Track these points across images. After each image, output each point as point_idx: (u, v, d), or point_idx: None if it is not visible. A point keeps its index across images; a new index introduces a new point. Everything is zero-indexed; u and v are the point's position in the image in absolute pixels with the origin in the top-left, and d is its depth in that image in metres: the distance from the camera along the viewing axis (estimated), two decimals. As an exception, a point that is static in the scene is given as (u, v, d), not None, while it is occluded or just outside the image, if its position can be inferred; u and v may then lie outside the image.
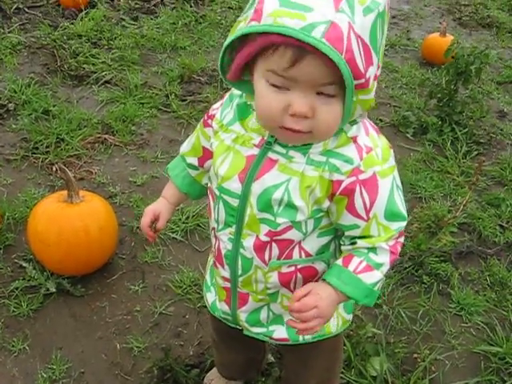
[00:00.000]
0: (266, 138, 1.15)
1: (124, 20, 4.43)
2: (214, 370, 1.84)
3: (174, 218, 2.52)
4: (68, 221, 2.07)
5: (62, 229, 2.06)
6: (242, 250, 1.23)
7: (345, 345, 1.96)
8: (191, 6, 4.74)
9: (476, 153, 3.32)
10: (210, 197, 1.28)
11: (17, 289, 2.12)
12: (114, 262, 2.28)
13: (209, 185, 1.30)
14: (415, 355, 2.10)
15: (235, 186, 1.17)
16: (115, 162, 2.88)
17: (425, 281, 2.42)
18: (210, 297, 1.44)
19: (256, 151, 1.16)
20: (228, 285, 1.32)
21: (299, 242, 1.20)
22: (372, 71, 0.98)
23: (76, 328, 2.03)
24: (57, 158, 2.83)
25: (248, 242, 1.21)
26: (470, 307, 2.33)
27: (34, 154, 2.86)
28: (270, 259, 1.21)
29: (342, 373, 1.89)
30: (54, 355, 1.92)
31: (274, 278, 1.24)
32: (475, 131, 3.46)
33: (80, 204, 2.12)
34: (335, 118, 1.03)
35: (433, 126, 3.38)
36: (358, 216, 1.15)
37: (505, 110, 3.86)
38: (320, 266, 1.25)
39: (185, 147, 1.41)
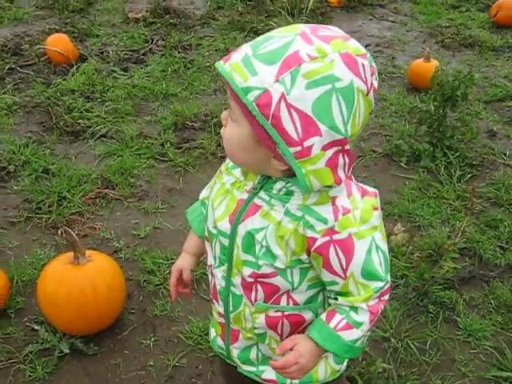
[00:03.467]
0: (254, 185, 1.23)
1: (115, 71, 4.53)
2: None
3: (179, 268, 2.56)
4: (76, 281, 2.12)
5: (70, 290, 2.10)
6: (232, 288, 1.30)
7: (357, 382, 1.99)
8: (179, 52, 4.86)
9: (470, 175, 3.38)
10: (206, 234, 1.36)
11: (31, 353, 2.15)
12: (124, 318, 2.32)
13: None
14: (427, 386, 2.13)
15: (226, 226, 1.26)
16: (117, 216, 2.94)
17: (431, 310, 2.46)
18: (212, 332, 1.50)
19: (246, 196, 1.24)
20: (222, 320, 1.39)
21: (288, 291, 1.25)
22: (317, 141, 1.04)
23: (92, 387, 2.06)
24: (60, 217, 2.88)
25: (236, 280, 1.28)
26: (478, 333, 2.37)
27: (37, 214, 2.92)
28: (255, 300, 1.27)
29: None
30: (73, 417, 1.95)
31: (261, 319, 1.30)
32: (467, 154, 3.53)
33: (86, 264, 2.17)
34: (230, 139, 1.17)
35: (425, 153, 3.45)
36: (336, 274, 1.19)
37: (494, 129, 3.93)
38: (308, 315, 1.29)
39: (204, 192, 1.47)
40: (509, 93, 4.41)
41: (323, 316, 1.24)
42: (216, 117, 3.73)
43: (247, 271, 1.24)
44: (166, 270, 2.56)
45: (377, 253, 1.18)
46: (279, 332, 1.31)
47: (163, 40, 5.11)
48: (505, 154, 3.67)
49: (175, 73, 4.52)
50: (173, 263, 2.47)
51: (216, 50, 4.97)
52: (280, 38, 1.05)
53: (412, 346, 2.28)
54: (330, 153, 1.07)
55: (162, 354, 2.19)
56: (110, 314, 2.22)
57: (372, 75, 1.09)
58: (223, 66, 1.09)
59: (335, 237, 1.15)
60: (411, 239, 2.83)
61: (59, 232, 2.58)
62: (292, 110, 1.02)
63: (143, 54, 4.84)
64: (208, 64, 4.68)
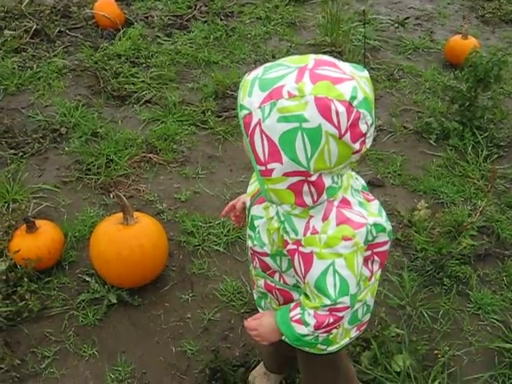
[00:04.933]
0: None
1: (159, 37, 4.72)
2: (257, 368, 2.13)
3: (215, 231, 2.81)
4: (125, 241, 2.37)
5: (120, 248, 2.36)
6: (248, 249, 1.55)
7: (371, 344, 2.22)
8: (221, 19, 5.00)
9: (496, 156, 3.50)
10: None
11: (83, 301, 2.43)
12: (165, 274, 2.58)
13: None
14: (435, 352, 2.34)
15: (248, 202, 1.52)
16: (160, 179, 3.18)
17: (445, 282, 2.65)
18: None
19: None
20: (249, 269, 1.65)
21: (279, 272, 1.48)
22: (278, 167, 1.20)
23: (136, 334, 2.34)
24: (108, 179, 3.14)
25: (248, 244, 1.53)
26: (487, 306, 2.56)
27: (87, 175, 3.18)
28: (256, 268, 1.53)
29: (370, 369, 2.16)
30: (119, 358, 2.23)
31: (261, 282, 1.56)
32: (496, 134, 3.64)
33: (135, 225, 2.42)
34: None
35: (454, 132, 3.58)
36: (298, 275, 1.38)
37: (525, 110, 4.02)
38: (295, 295, 1.51)
39: None
40: (544, 73, 4.46)
41: (292, 304, 1.45)
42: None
43: (249, 243, 1.50)
44: (204, 232, 2.80)
45: (333, 276, 1.31)
46: (275, 297, 1.56)
47: (206, 6, 5.25)
48: (533, 136, 3.78)
49: (217, 40, 4.68)
50: (210, 226, 2.75)
51: (257, 18, 5.09)
52: (284, 68, 1.20)
53: (425, 315, 2.49)
54: (293, 179, 1.23)
55: (199, 309, 2.44)
56: (154, 270, 2.48)
57: (358, 119, 1.17)
58: (244, 79, 1.27)
59: (301, 248, 1.32)
60: (433, 215, 3.01)
61: (111, 195, 2.83)
62: (263, 136, 1.19)
63: (187, 20, 5.01)
64: (249, 33, 4.81)
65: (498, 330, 2.47)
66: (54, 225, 2.67)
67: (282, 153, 1.19)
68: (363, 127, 1.19)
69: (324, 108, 1.15)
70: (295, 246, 1.33)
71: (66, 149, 3.39)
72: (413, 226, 2.95)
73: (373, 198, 1.47)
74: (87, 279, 2.53)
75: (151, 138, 3.48)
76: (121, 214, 2.45)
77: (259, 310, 1.70)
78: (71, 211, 2.94)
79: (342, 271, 1.31)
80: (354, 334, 1.61)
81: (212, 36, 4.70)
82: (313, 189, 1.26)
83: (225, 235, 2.81)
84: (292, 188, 1.25)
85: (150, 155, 3.33)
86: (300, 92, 1.15)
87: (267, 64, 1.26)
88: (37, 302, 2.39)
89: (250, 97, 1.20)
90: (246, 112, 1.21)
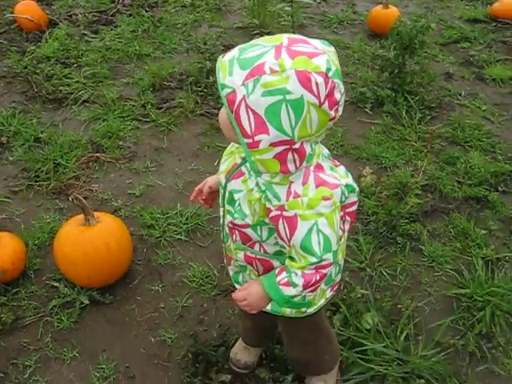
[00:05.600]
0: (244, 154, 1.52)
1: (86, 35, 4.67)
2: (237, 344, 2.22)
3: (175, 221, 2.86)
4: (90, 241, 2.39)
5: (86, 249, 2.38)
6: (224, 226, 1.64)
7: (341, 307, 2.35)
8: (146, 11, 4.99)
9: (429, 117, 3.71)
10: None
11: (55, 306, 2.44)
12: (132, 269, 2.61)
13: None
14: (399, 306, 2.49)
15: (223, 180, 1.59)
16: (111, 177, 3.19)
17: (399, 241, 2.81)
18: None
19: (239, 161, 1.55)
20: (223, 245, 1.73)
21: (260, 242, 1.57)
22: (265, 138, 1.29)
23: (113, 331, 2.37)
24: (58, 183, 3.12)
25: (225, 221, 1.61)
26: (440, 258, 2.74)
27: (37, 181, 3.14)
28: (235, 241, 1.61)
29: (342, 330, 2.29)
30: (101, 357, 2.26)
31: (241, 255, 1.63)
32: (426, 97, 3.85)
33: (97, 225, 2.44)
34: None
35: (388, 99, 3.75)
36: (283, 240, 1.46)
37: (450, 70, 4.25)
38: (276, 263, 1.60)
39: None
40: (463, 34, 4.72)
41: (277, 269, 1.54)
42: (191, 76, 3.94)
43: (228, 219, 1.58)
44: (163, 223, 2.85)
45: (317, 234, 1.40)
46: (255, 268, 1.64)
47: (129, -1, 5.22)
48: (460, 95, 4.01)
49: (145, 32, 4.68)
50: (169, 217, 2.80)
51: (182, 7, 5.11)
52: (260, 48, 1.29)
53: (385, 274, 2.64)
54: (279, 149, 1.31)
55: (171, 297, 2.50)
56: (121, 266, 2.51)
57: (334, 88, 1.28)
58: (219, 61, 1.35)
59: (284, 213, 1.41)
60: (379, 180, 3.17)
61: (69, 198, 2.80)
62: (249, 110, 1.28)
63: (111, 15, 4.97)
64: (176, 22, 4.82)
65: (453, 279, 2.65)
66: (13, 235, 2.65)
67: (268, 124, 1.28)
68: (337, 95, 1.30)
69: (305, 80, 1.24)
70: (279, 212, 1.42)
71: (10, 158, 3.34)
72: (361, 193, 3.10)
73: (338, 163, 1.58)
74: (55, 284, 2.53)
75: (95, 138, 3.47)
76: (81, 216, 2.47)
77: (236, 285, 1.78)
78: (27, 220, 2.91)
79: (324, 229, 1.40)
80: (329, 294, 1.74)
81: (140, 29, 4.69)
82: (296, 156, 1.35)
83: (184, 224, 2.86)
84: (278, 157, 1.34)
85: (97, 154, 3.33)
86: (281, 67, 1.24)
87: (241, 45, 1.34)
88: (9, 313, 2.38)
89: (231, 76, 1.28)
90: (228, 90, 1.29)
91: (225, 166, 1.62)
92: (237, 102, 1.29)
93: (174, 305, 2.47)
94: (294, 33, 4.29)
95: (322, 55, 1.28)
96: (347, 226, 1.62)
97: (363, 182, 3.15)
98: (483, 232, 2.90)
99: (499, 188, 3.20)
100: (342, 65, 3.78)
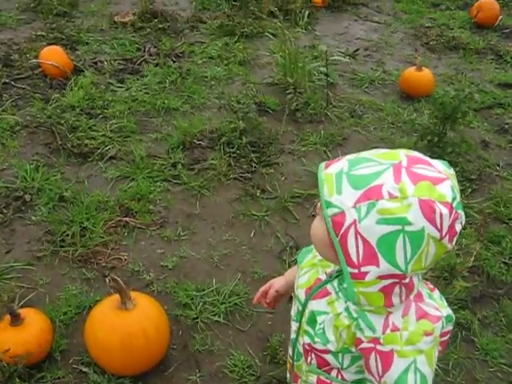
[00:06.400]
0: (333, 271, 1.37)
1: (112, 84, 4.55)
2: None
3: (211, 300, 2.68)
4: (127, 328, 2.21)
5: (122, 336, 2.20)
6: (297, 344, 1.47)
7: None
8: (173, 61, 4.89)
9: (470, 190, 3.57)
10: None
11: (85, 395, 2.25)
12: (167, 355, 2.43)
13: None
14: (456, 409, 2.32)
15: (302, 296, 1.43)
16: (141, 245, 3.02)
17: (450, 331, 2.64)
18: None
19: (324, 277, 1.39)
20: (291, 361, 1.57)
21: (338, 369, 1.39)
22: (373, 270, 1.16)
23: (148, 428, 2.18)
24: (85, 249, 2.94)
25: (300, 340, 1.44)
26: (493, 352, 2.57)
27: (62, 247, 2.96)
28: (310, 364, 1.43)
29: None
30: None
31: (313, 378, 1.46)
32: (465, 167, 3.71)
33: (134, 309, 2.26)
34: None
35: (427, 169, 3.61)
36: (372, 375, 1.30)
37: (486, 139, 4.13)
38: None
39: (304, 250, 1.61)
40: (496, 100, 4.62)
41: None
42: (223, 135, 3.80)
43: (306, 340, 1.41)
44: (199, 302, 2.67)
45: (414, 374, 1.24)
46: None
47: (155, 47, 5.13)
48: (498, 165, 3.88)
49: (173, 84, 4.56)
50: (205, 294, 2.64)
51: (210, 58, 5.01)
52: (376, 165, 1.15)
53: (437, 369, 2.46)
54: (386, 282, 1.18)
55: (210, 390, 2.32)
56: (159, 354, 2.33)
57: (456, 220, 1.15)
58: (322, 171, 1.21)
59: (378, 347, 1.26)
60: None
61: (107, 280, 2.63)
62: (359, 237, 1.14)
63: (138, 64, 4.86)
64: (204, 74, 4.72)
65: (509, 375, 2.48)
66: (39, 312, 2.47)
67: (379, 256, 1.15)
68: (458, 227, 1.17)
69: (428, 211, 1.12)
70: (372, 345, 1.27)
71: (33, 218, 3.17)
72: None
73: (432, 286, 1.42)
74: (84, 370, 2.35)
75: (123, 199, 3.31)
76: (116, 297, 2.30)
77: None
78: (52, 290, 2.73)
79: (422, 368, 1.25)
80: None
81: (167, 80, 4.57)
82: (403, 290, 1.22)
83: (221, 303, 2.68)
84: (383, 290, 1.20)
85: (126, 219, 3.17)
86: (402, 193, 1.11)
87: (349, 157, 1.21)
88: (34, 404, 2.19)
89: (340, 195, 1.15)
90: (336, 210, 1.15)
91: (305, 279, 1.46)
92: (345, 226, 1.14)
93: (213, 400, 2.28)
94: (328, 93, 4.23)
95: (446, 181, 1.15)
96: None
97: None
98: (536, 323, 2.73)
99: (549, 272, 3.04)
100: (376, 129, 3.64)
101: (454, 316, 1.38)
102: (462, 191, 3.52)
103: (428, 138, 3.69)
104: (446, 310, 1.35)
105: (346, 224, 1.14)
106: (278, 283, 1.68)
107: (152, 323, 2.27)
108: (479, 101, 4.52)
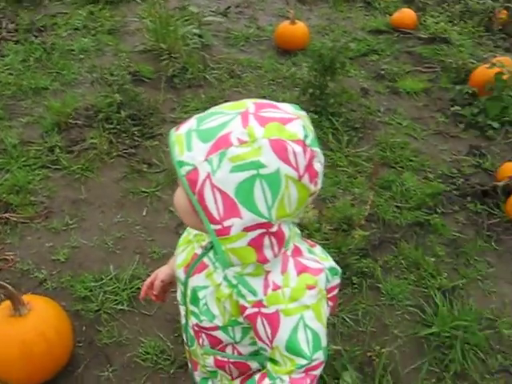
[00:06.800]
0: (206, 244, 1.30)
1: (-32, 67, 4.13)
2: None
3: (112, 288, 2.54)
4: (24, 335, 2.02)
5: (20, 345, 2.01)
6: (188, 328, 1.40)
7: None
8: (35, 36, 4.52)
9: (356, 139, 3.63)
10: None
11: (-13, 415, 2.06)
12: (74, 353, 2.27)
13: None
14: (369, 354, 2.37)
15: (181, 275, 1.35)
16: (28, 241, 2.79)
17: (354, 281, 2.69)
18: None
19: (199, 252, 1.32)
20: (187, 348, 1.49)
21: (232, 344, 1.33)
22: (237, 222, 1.08)
23: None
24: (-36, 254, 2.68)
25: (190, 323, 1.37)
26: (398, 295, 2.65)
27: None
28: (203, 346, 1.37)
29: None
30: None
31: (210, 360, 1.40)
32: (349, 117, 3.77)
33: (29, 314, 2.07)
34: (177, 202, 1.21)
35: (313, 123, 3.61)
36: (263, 342, 1.24)
37: (365, 86, 4.22)
38: (253, 364, 1.38)
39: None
40: (370, 47, 4.72)
41: (257, 376, 1.30)
42: (100, 111, 3.58)
43: (193, 321, 1.35)
44: (99, 293, 2.52)
45: (304, 331, 1.19)
46: (228, 373, 1.41)
47: (12, 22, 4.71)
48: (379, 111, 3.98)
49: (38, 61, 4.23)
50: (104, 283, 2.50)
51: (75, 29, 4.69)
52: (222, 116, 1.09)
53: (347, 320, 2.51)
54: (253, 234, 1.10)
55: (124, 382, 2.20)
56: (65, 355, 2.17)
57: (313, 158, 1.10)
58: (173, 134, 1.12)
59: (263, 310, 1.19)
60: (321, 214, 3.03)
61: None
62: (215, 190, 1.06)
63: (-5, 43, 4.44)
64: (70, 47, 4.41)
65: (416, 316, 2.57)
66: None
67: (239, 206, 1.07)
68: (317, 166, 1.12)
69: (281, 150, 1.06)
70: (256, 309, 1.20)
71: None
72: (304, 230, 2.94)
73: (313, 243, 1.37)
74: (-16, 388, 2.14)
75: (1, 194, 3.03)
76: (6, 303, 2.10)
77: None
78: None
79: (312, 324, 1.20)
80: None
81: (31, 57, 4.23)
82: (274, 240, 1.14)
83: (123, 290, 2.55)
84: (252, 244, 1.12)
85: (6, 215, 2.90)
86: (251, 137, 1.05)
87: (198, 115, 1.13)
88: None
89: (191, 151, 1.07)
90: (188, 168, 1.07)
91: (182, 257, 1.37)
92: (200, 182, 1.07)
93: (130, 392, 2.18)
94: (204, 55, 4.11)
95: (296, 120, 1.10)
96: (328, 312, 1.37)
97: (305, 219, 2.99)
98: (433, 259, 2.85)
99: (437, 210, 3.18)
100: (257, 87, 3.58)
101: (339, 269, 1.35)
102: (348, 141, 3.60)
103: (310, 91, 3.70)
104: (329, 263, 1.32)
105: (201, 179, 1.06)
106: (162, 273, 1.56)
107: (50, 325, 2.10)
108: (355, 49, 4.60)
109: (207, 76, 4.12)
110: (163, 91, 3.91)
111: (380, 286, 2.69)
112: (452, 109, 4.11)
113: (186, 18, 4.68)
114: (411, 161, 3.53)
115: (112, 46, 4.44)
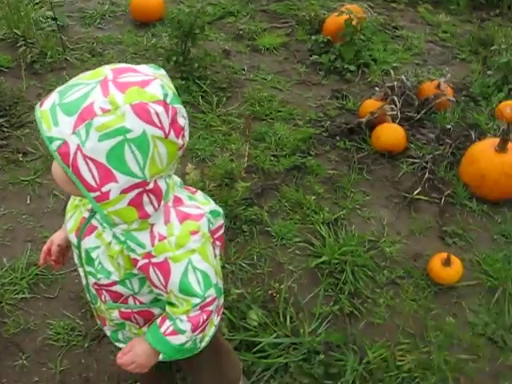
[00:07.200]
0: (91, 207, 1.37)
1: None
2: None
3: (9, 280, 2.52)
4: None
5: None
6: (89, 287, 1.49)
7: (224, 313, 2.32)
8: None
9: (225, 99, 3.77)
10: None
11: None
12: (-19, 350, 2.26)
13: None
14: (269, 292, 2.55)
15: (74, 239, 1.43)
16: None
17: (245, 229, 2.85)
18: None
19: (87, 215, 1.40)
20: (93, 306, 1.58)
21: (133, 295, 1.44)
22: (114, 187, 1.16)
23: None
24: None
25: (90, 282, 1.46)
26: (288, 234, 2.85)
27: None
28: (106, 301, 1.47)
29: (232, 335, 2.28)
30: None
31: (115, 314, 1.50)
32: (215, 79, 3.89)
33: None
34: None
35: (182, 89, 3.71)
36: (159, 288, 1.35)
37: (226, 47, 4.35)
38: (155, 310, 1.49)
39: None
40: (226, 9, 4.84)
41: (158, 320, 1.41)
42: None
43: (91, 280, 1.44)
44: (-5, 285, 2.50)
45: (194, 273, 1.30)
46: (135, 322, 1.52)
47: None
48: (243, 70, 4.13)
49: None
50: (0, 276, 2.48)
51: None
52: (83, 87, 1.14)
53: (245, 265, 2.67)
54: (132, 194, 1.19)
55: (43, 367, 2.22)
56: (-28, 353, 2.15)
57: (176, 115, 1.19)
58: (38, 110, 1.17)
59: (153, 260, 1.29)
60: (203, 173, 3.15)
61: None
62: (88, 160, 1.14)
63: None
64: None
65: (306, 250, 2.79)
66: None
67: (113, 171, 1.15)
68: (181, 121, 1.21)
69: (143, 113, 1.13)
70: (146, 260, 1.30)
71: None
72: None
73: (194, 189, 1.48)
74: None
75: None
76: None
77: (118, 344, 1.63)
78: None
79: (199, 265, 1.31)
80: (216, 321, 1.57)
81: None
82: (152, 197, 1.24)
83: (21, 279, 2.53)
84: (132, 203, 1.21)
85: None
86: (113, 105, 1.11)
87: (59, 88, 1.18)
88: None
89: (58, 126, 1.12)
90: (58, 143, 1.13)
91: (72, 223, 1.44)
92: (72, 154, 1.13)
93: (49, 373, 2.20)
94: (61, 37, 4.02)
95: (154, 81, 1.17)
96: (218, 251, 1.51)
97: (189, 180, 3.09)
98: (313, 198, 3.08)
99: (311, 152, 3.41)
100: (120, 62, 3.64)
101: (220, 210, 1.46)
102: (218, 102, 3.74)
103: (173, 59, 3.76)
104: (210, 206, 1.41)
105: (72, 152, 1.13)
106: (57, 238, 1.61)
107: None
108: (211, 13, 4.70)
109: (68, 58, 4.05)
110: (25, 78, 3.80)
111: (269, 229, 2.87)
112: (311, 58, 4.35)
113: (36, 1, 4.52)
114: (280, 111, 3.73)
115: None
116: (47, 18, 4.15)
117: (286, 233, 2.86)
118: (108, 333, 1.62)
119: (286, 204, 3.04)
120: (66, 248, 1.61)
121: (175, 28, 3.61)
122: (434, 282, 2.65)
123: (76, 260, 1.48)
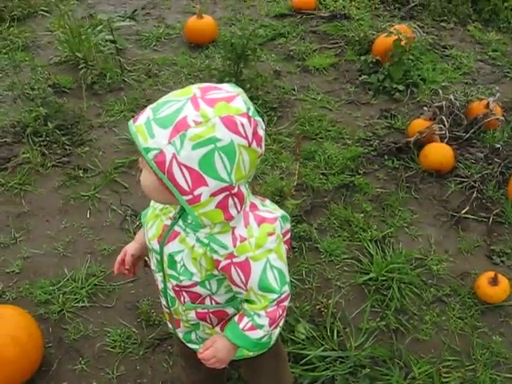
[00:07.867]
0: (175, 213, 1.50)
1: None
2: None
3: (70, 289, 2.67)
4: (-2, 342, 2.14)
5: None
6: (168, 290, 1.60)
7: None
8: None
9: (276, 118, 3.87)
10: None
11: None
12: (45, 354, 2.39)
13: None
14: (318, 307, 2.62)
15: (156, 246, 1.54)
16: (-22, 259, 2.87)
17: (294, 246, 2.93)
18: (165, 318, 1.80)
19: (169, 222, 1.52)
20: (167, 311, 1.69)
21: (209, 295, 1.55)
22: (205, 190, 1.29)
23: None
24: None
25: (169, 286, 1.58)
26: (336, 251, 2.91)
27: None
28: (184, 302, 1.58)
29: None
30: None
31: (192, 314, 1.61)
32: (265, 99, 4.00)
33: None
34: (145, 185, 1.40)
35: (234, 109, 3.83)
36: (239, 287, 1.46)
37: (277, 68, 4.46)
38: (230, 310, 1.61)
39: (145, 210, 1.69)
40: (276, 31, 4.97)
41: (236, 317, 1.53)
42: (27, 126, 3.64)
43: (173, 283, 1.55)
44: (59, 294, 2.64)
45: (271, 271, 1.42)
46: (209, 322, 1.63)
47: None
48: (294, 90, 4.23)
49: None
50: (62, 285, 2.63)
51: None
52: (175, 103, 1.28)
53: (293, 280, 2.74)
54: (219, 197, 1.32)
55: (100, 372, 2.35)
56: (38, 356, 2.29)
57: (257, 126, 1.32)
58: (132, 126, 1.32)
59: (235, 260, 1.41)
60: (254, 190, 3.24)
61: None
62: (182, 167, 1.27)
63: None
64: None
65: (353, 266, 2.85)
66: None
67: (204, 176, 1.28)
68: (261, 132, 1.34)
69: (231, 124, 1.26)
70: (229, 261, 1.41)
71: None
72: (242, 207, 3.15)
73: (263, 198, 1.60)
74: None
75: None
76: (-27, 317, 2.20)
77: (190, 345, 1.74)
78: None
79: (276, 263, 1.43)
80: (281, 323, 1.68)
81: None
82: (236, 200, 1.36)
83: (81, 288, 2.68)
84: (220, 206, 1.34)
85: (-48, 238, 2.96)
86: (204, 117, 1.24)
87: (151, 105, 1.32)
88: None
89: (154, 138, 1.26)
90: (155, 152, 1.26)
91: (153, 230, 1.56)
92: (167, 162, 1.27)
93: (106, 378, 2.33)
94: (119, 59, 4.22)
95: (237, 97, 1.31)
96: (286, 253, 1.62)
97: (241, 196, 3.20)
98: (361, 215, 3.13)
99: (359, 171, 3.47)
100: (175, 83, 3.80)
101: (288, 215, 1.59)
102: (269, 121, 3.83)
103: (226, 79, 3.89)
104: (280, 212, 1.55)
105: (168, 160, 1.26)
106: (131, 248, 1.74)
107: (21, 328, 2.22)
108: (263, 35, 4.84)
109: (126, 79, 4.24)
110: (86, 99, 4.01)
111: (318, 246, 2.94)
112: (360, 78, 4.43)
113: (96, 25, 4.76)
114: (329, 131, 3.81)
115: (27, 61, 4.47)
116: (106, 41, 4.36)
117: (335, 249, 2.92)
118: (181, 335, 1.73)
119: (335, 221, 3.11)
120: (137, 258, 1.74)
121: (228, 50, 3.75)
122: (481, 301, 2.67)
123: (154, 266, 1.60)
